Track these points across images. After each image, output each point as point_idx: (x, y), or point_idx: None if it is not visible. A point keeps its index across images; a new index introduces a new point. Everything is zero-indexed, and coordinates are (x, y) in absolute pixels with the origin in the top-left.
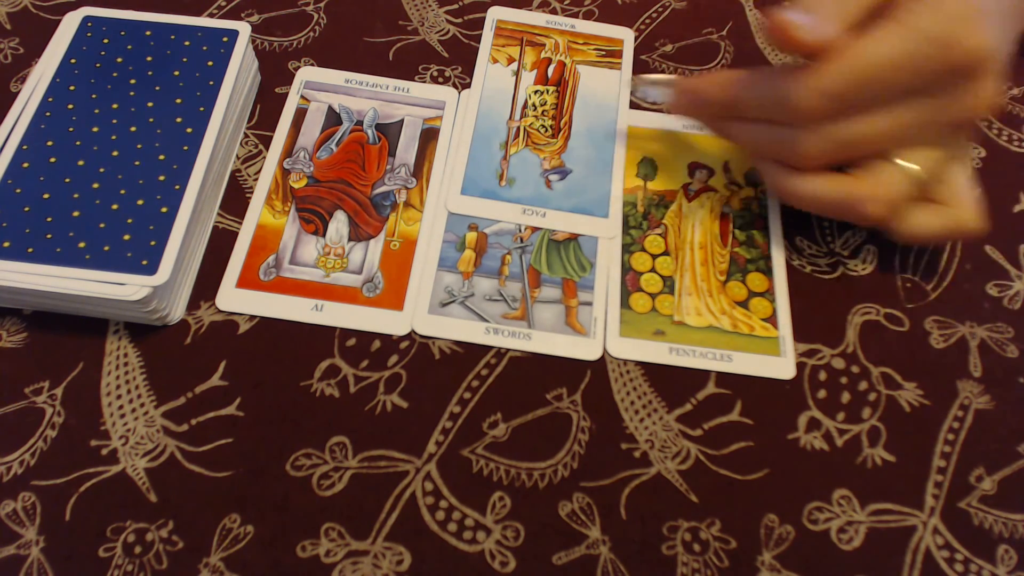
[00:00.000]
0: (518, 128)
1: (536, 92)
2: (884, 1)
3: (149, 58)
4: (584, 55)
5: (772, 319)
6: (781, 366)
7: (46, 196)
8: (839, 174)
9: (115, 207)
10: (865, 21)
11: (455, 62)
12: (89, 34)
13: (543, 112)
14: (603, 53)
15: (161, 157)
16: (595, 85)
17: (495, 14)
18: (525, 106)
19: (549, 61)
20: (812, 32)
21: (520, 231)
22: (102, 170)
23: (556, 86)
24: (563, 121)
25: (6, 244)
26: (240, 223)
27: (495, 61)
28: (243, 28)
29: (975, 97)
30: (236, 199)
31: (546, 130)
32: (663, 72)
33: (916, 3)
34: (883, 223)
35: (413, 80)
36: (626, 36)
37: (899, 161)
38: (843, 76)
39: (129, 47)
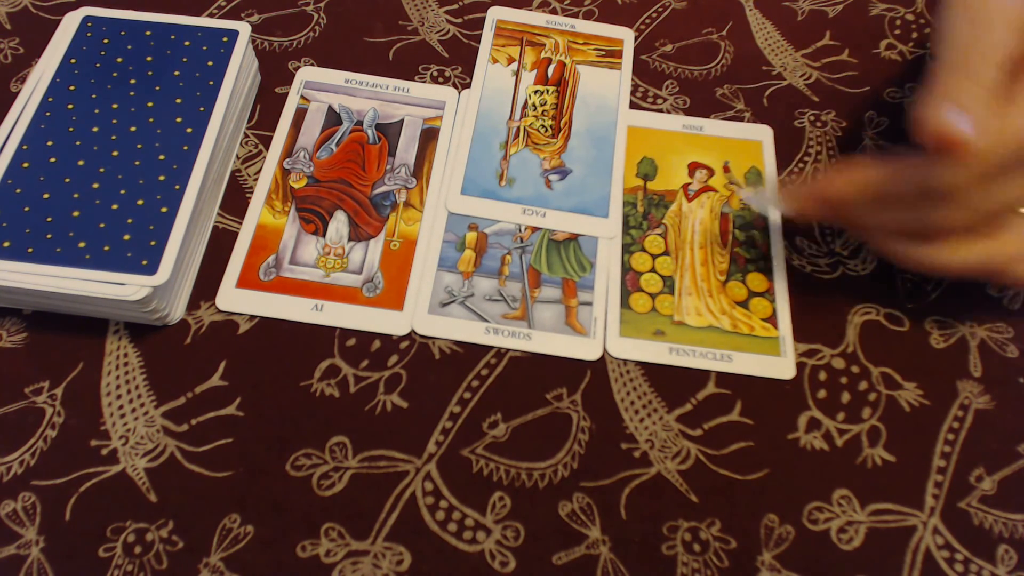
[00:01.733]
0: (518, 128)
1: (536, 92)
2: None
3: (149, 58)
4: (584, 55)
5: (772, 319)
6: (781, 366)
7: (46, 196)
8: (979, 238)
9: (115, 207)
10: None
11: (455, 62)
12: (89, 34)
13: (543, 112)
14: (603, 53)
15: (161, 157)
16: (595, 85)
17: (495, 14)
18: (525, 106)
19: (549, 61)
20: (974, 140)
21: (520, 231)
22: (102, 170)
23: (556, 86)
24: (563, 121)
25: (6, 244)
26: (240, 223)
27: (495, 61)
28: (243, 28)
29: None
30: (236, 199)
31: (546, 130)
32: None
33: None
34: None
35: (413, 80)
36: (626, 36)
37: None
38: (999, 157)
39: (129, 47)
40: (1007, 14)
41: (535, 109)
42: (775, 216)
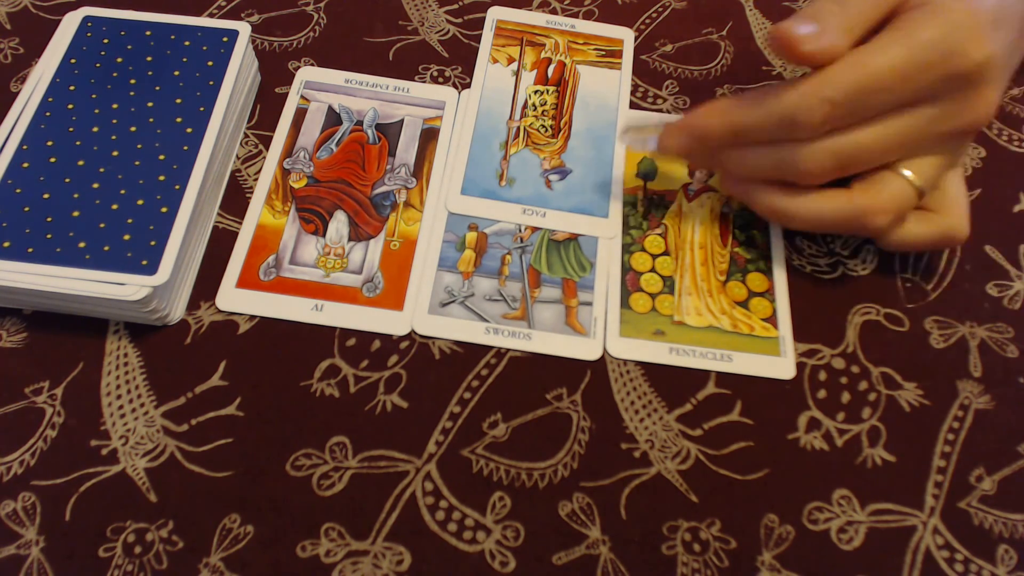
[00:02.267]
0: (518, 128)
1: (536, 92)
2: (886, 13)
3: (149, 58)
4: (584, 55)
5: (772, 319)
6: (781, 366)
7: (46, 196)
8: (840, 189)
9: (115, 207)
10: (868, 32)
11: (455, 62)
12: (89, 34)
13: (543, 112)
14: (603, 53)
15: (161, 157)
16: (595, 85)
17: (495, 14)
18: (525, 106)
19: (549, 61)
20: (817, 43)
21: (520, 231)
22: (102, 170)
23: (556, 86)
24: (563, 121)
25: (6, 244)
26: (240, 223)
27: (495, 61)
28: (243, 28)
29: (977, 106)
30: (236, 199)
31: (546, 130)
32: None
33: (920, 13)
34: (885, 233)
35: (413, 80)
36: (626, 36)
37: (903, 171)
38: (848, 85)
39: (129, 47)
40: None
41: (535, 109)
42: (651, 147)
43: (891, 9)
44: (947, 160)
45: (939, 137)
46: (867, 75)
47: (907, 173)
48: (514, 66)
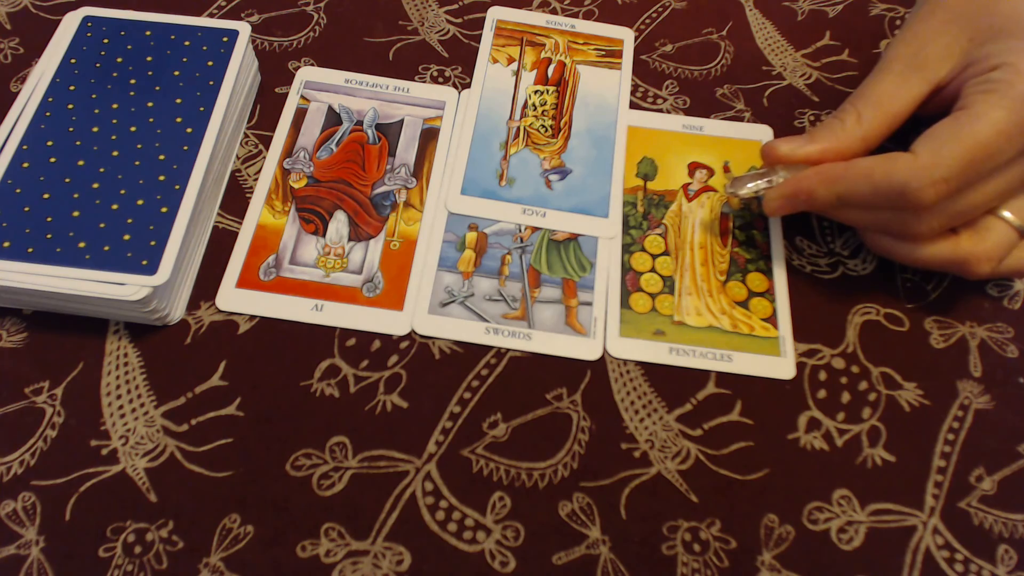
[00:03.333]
0: (518, 128)
1: (536, 92)
2: (929, 93)
3: (149, 58)
4: (584, 55)
5: (772, 319)
6: (781, 366)
7: (46, 196)
8: (950, 235)
9: (115, 207)
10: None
11: (455, 62)
12: (89, 34)
13: (543, 112)
14: (603, 53)
15: (161, 157)
16: (595, 85)
17: (495, 14)
18: (525, 106)
19: (549, 61)
20: (792, 152)
21: (520, 231)
22: (102, 170)
23: (556, 86)
24: (563, 121)
25: (6, 244)
26: (240, 223)
27: (495, 61)
28: (243, 28)
29: None
30: (236, 199)
31: (546, 130)
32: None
33: (1005, 72)
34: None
35: (413, 80)
36: (626, 36)
37: (1004, 212)
38: (959, 160)
39: (129, 47)
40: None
41: (535, 109)
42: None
43: (935, 86)
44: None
45: None
46: (976, 145)
47: (1007, 215)
48: (514, 66)
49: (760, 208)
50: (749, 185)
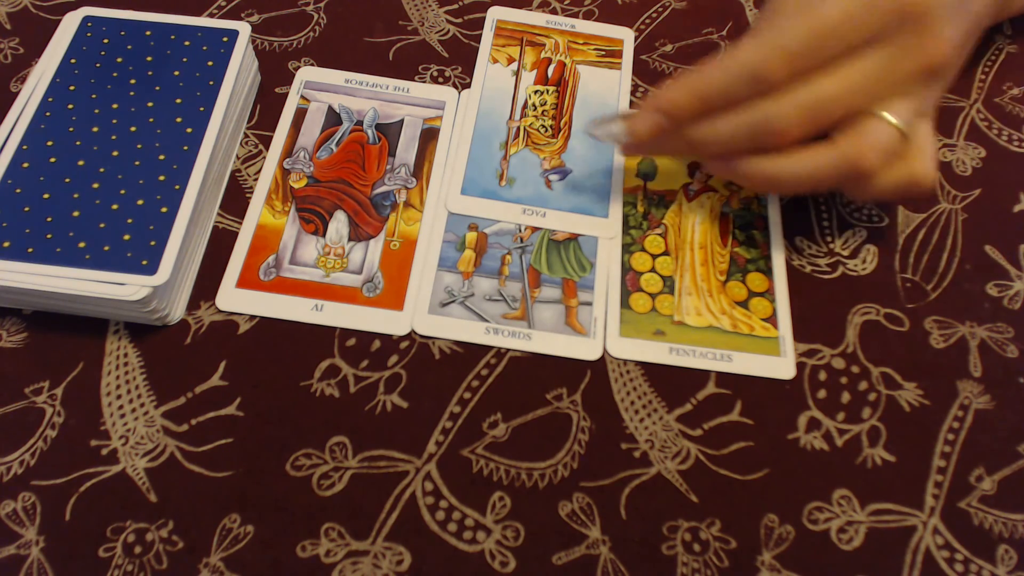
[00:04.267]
0: (518, 128)
1: (536, 92)
2: None
3: (149, 58)
4: (584, 55)
5: (772, 319)
6: (781, 366)
7: (46, 196)
8: (823, 140)
9: (115, 207)
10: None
11: (455, 62)
12: (89, 34)
13: (543, 112)
14: (603, 53)
15: (161, 157)
16: (595, 85)
17: (495, 14)
18: (525, 106)
19: (549, 61)
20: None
21: (520, 231)
22: (102, 170)
23: (556, 86)
24: (563, 121)
25: (6, 244)
26: (240, 223)
27: (495, 61)
28: (243, 28)
29: (930, 45)
30: (236, 199)
31: (546, 130)
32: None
33: None
34: (876, 177)
35: (413, 80)
36: (626, 36)
37: (883, 113)
38: (802, 33)
39: (129, 47)
40: None
41: (535, 109)
42: (620, 136)
43: None
44: (921, 100)
45: (901, 79)
46: (819, 22)
47: (885, 114)
48: (514, 66)
49: (760, 208)
50: (611, 126)
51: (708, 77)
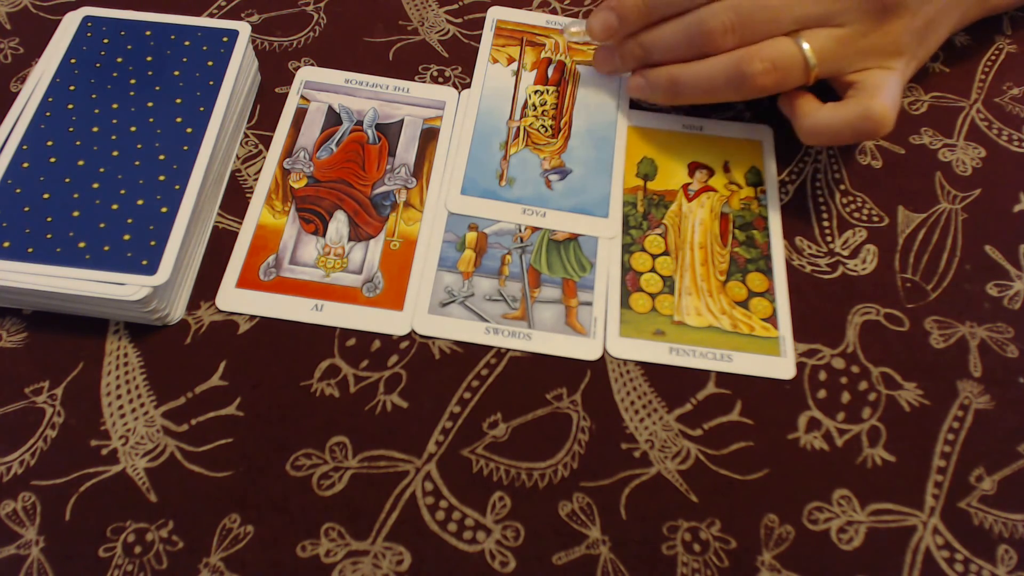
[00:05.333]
0: (518, 128)
1: (536, 92)
2: None
3: (149, 58)
4: (584, 55)
5: (772, 319)
6: (781, 366)
7: (46, 196)
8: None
9: (115, 207)
10: None
11: (455, 62)
12: (89, 34)
13: (543, 112)
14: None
15: (161, 157)
16: (595, 85)
17: (495, 14)
18: (525, 106)
19: (549, 61)
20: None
21: (520, 231)
22: (102, 170)
23: (556, 86)
24: (563, 121)
25: (6, 244)
26: (240, 223)
27: (495, 61)
28: (243, 28)
29: None
30: (236, 199)
31: (546, 130)
32: None
33: None
34: (764, 88)
35: (413, 80)
36: None
37: (802, 42)
38: None
39: (129, 47)
40: None
41: (535, 109)
42: (583, 34)
43: None
44: (851, 39)
45: (839, 8)
46: None
47: (800, 41)
48: (514, 66)
49: (760, 208)
50: (575, 26)
51: None
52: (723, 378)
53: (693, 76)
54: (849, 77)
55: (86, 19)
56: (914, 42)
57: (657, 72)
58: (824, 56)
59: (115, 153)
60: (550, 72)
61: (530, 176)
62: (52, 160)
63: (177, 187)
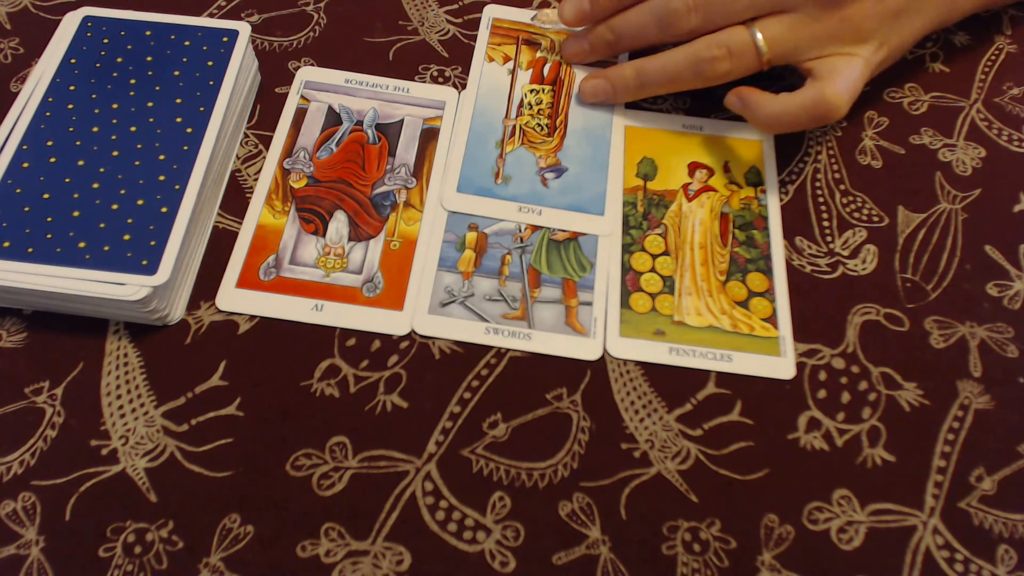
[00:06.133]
0: (514, 126)
1: (532, 91)
2: None
3: (149, 58)
4: None
5: (772, 319)
6: (781, 366)
7: (46, 196)
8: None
9: (115, 207)
10: None
11: (455, 62)
12: (89, 34)
13: (539, 111)
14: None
15: (161, 157)
16: None
17: (491, 13)
18: (521, 105)
19: (545, 60)
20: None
21: (520, 231)
22: (102, 170)
23: (552, 85)
24: (559, 119)
25: (6, 244)
26: (240, 223)
27: (491, 60)
28: (243, 28)
29: None
30: (236, 199)
31: (542, 128)
32: None
33: None
34: (721, 75)
35: (413, 80)
36: None
37: (756, 32)
38: None
39: (129, 47)
40: None
41: (531, 108)
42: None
43: None
44: (804, 24)
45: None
46: None
47: (754, 29)
48: (510, 65)
49: (760, 208)
50: (548, 13)
51: None
52: (723, 378)
53: (659, 65)
54: (807, 64)
55: (86, 19)
56: (882, 28)
57: (620, 68)
58: (775, 43)
59: (115, 153)
60: (546, 71)
61: (526, 174)
62: (52, 160)
63: (177, 187)
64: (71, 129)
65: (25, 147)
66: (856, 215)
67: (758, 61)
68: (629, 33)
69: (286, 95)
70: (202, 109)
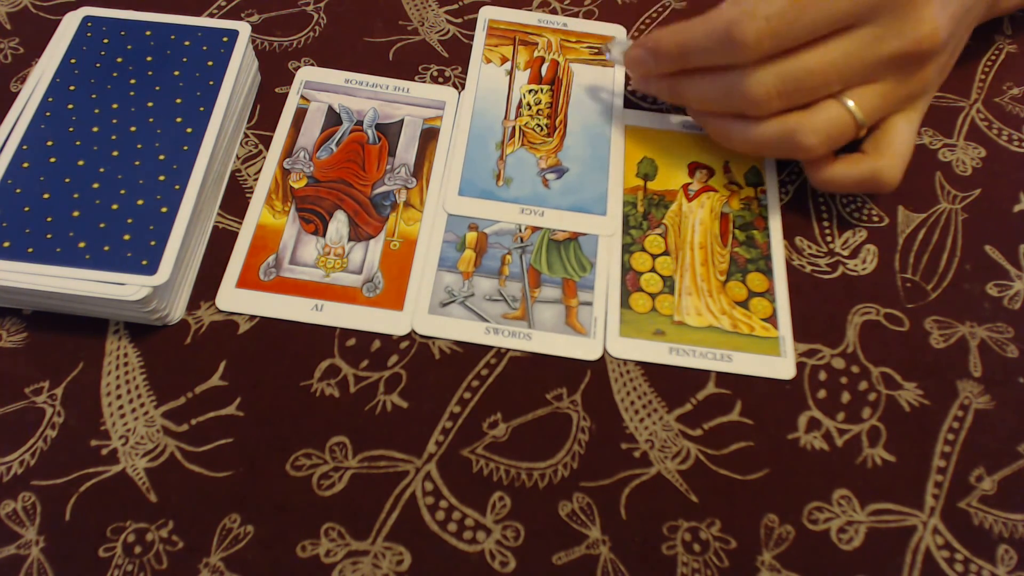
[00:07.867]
0: (513, 128)
1: (531, 91)
2: None
3: (149, 58)
4: (577, 53)
5: (772, 319)
6: (781, 366)
7: (46, 196)
8: (784, 114)
9: (115, 207)
10: None
11: (455, 62)
12: (89, 34)
13: (538, 111)
14: (596, 51)
15: (161, 157)
16: (589, 83)
17: (486, 14)
18: (520, 105)
19: (542, 60)
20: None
21: (520, 231)
22: (102, 170)
23: (550, 85)
24: (558, 120)
25: (6, 244)
26: (240, 223)
27: (488, 61)
28: (243, 28)
29: (917, 25)
30: (236, 199)
31: (542, 129)
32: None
33: None
34: (817, 156)
35: (413, 80)
36: (618, 33)
37: (844, 99)
38: (784, 1)
39: (129, 47)
40: None
41: (530, 108)
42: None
43: None
44: (893, 91)
45: (883, 61)
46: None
47: (848, 102)
48: (507, 65)
49: (760, 208)
50: (616, 49)
51: (688, 26)
52: (723, 378)
53: (742, 135)
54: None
55: (86, 19)
56: (939, 77)
57: (713, 124)
58: (871, 114)
59: (115, 153)
60: (543, 71)
61: (527, 175)
62: (52, 160)
63: (177, 187)
64: (71, 129)
65: (25, 147)
66: (856, 215)
67: (856, 134)
68: (693, 99)
69: (286, 95)
70: (202, 109)
